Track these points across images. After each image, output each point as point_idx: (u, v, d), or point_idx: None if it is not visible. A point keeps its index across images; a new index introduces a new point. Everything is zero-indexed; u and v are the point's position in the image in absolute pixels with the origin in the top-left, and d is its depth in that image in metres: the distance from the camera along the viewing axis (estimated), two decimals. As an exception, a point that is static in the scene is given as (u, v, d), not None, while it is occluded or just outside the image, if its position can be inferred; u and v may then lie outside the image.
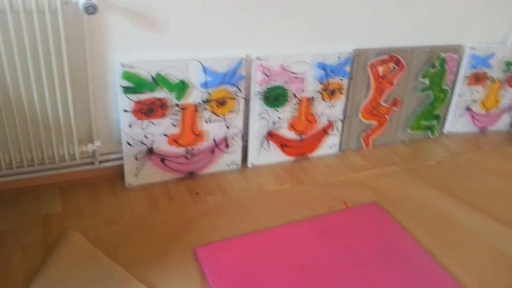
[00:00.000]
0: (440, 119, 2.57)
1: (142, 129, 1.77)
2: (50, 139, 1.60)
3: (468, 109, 2.61)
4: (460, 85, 2.51)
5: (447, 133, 2.65)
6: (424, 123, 2.52)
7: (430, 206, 1.95)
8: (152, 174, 1.88)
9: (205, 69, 1.79)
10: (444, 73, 2.41)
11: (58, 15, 1.39)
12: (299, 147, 2.18)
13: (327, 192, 1.99)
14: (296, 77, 2.00)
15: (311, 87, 2.06)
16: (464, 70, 2.47)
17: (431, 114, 2.51)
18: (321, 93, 2.10)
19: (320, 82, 2.06)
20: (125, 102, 1.69)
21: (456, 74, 2.49)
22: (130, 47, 1.66)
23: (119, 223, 1.67)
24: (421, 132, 2.54)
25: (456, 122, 2.62)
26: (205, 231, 1.67)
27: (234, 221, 1.75)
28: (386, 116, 2.36)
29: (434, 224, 1.83)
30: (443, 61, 2.37)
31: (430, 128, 2.56)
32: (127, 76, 1.65)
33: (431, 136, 2.58)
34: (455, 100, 2.55)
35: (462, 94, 2.54)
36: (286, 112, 2.06)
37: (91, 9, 1.33)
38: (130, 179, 1.85)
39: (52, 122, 1.56)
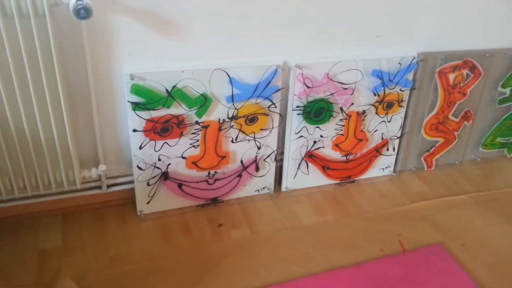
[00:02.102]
0: (521, 135, 2.11)
1: (156, 151, 1.49)
2: (44, 165, 1.35)
3: (557, 123, 2.12)
4: (550, 95, 2.03)
5: (527, 150, 2.18)
6: (500, 140, 2.07)
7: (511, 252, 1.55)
8: (168, 200, 1.60)
9: (231, 80, 1.47)
10: (531, 81, 1.95)
11: (47, 19, 1.11)
12: (345, 169, 1.82)
13: (378, 229, 1.63)
14: (344, 88, 1.63)
15: (363, 100, 1.68)
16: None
17: (509, 130, 2.05)
18: (375, 106, 1.72)
19: (374, 93, 1.69)
20: (135, 120, 1.41)
21: (545, 81, 2.01)
22: (140, 55, 1.37)
23: (125, 263, 1.42)
24: (496, 150, 2.10)
25: (540, 138, 2.15)
26: (226, 278, 1.38)
27: (262, 265, 1.45)
28: (455, 133, 1.94)
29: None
30: (530, 66, 1.90)
31: (507, 146, 2.10)
32: (136, 90, 1.36)
33: (507, 155, 2.13)
34: (541, 112, 2.07)
35: (551, 105, 2.06)
36: (330, 129, 1.70)
37: (83, 13, 1.04)
38: (142, 207, 1.58)
39: (46, 146, 1.30)
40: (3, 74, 1.17)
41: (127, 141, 1.51)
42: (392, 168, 1.92)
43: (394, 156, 1.90)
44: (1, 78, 1.17)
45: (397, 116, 1.79)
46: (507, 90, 1.93)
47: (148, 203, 1.57)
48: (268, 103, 1.56)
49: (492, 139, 2.05)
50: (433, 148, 1.95)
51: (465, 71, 1.80)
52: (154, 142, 1.47)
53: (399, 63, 1.67)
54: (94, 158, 1.50)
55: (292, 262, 1.47)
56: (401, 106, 1.77)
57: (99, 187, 1.57)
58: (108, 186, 1.58)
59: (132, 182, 1.59)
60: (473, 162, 2.08)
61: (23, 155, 1.30)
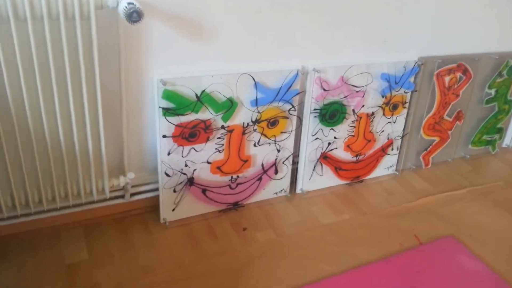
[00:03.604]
0: (503, 132, 2.28)
1: (183, 156, 1.48)
2: (75, 173, 1.30)
3: (532, 120, 2.32)
4: (525, 95, 2.23)
5: (506, 146, 2.37)
6: (486, 137, 2.23)
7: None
8: (191, 207, 1.59)
9: (256, 85, 1.49)
10: (511, 83, 2.13)
11: (91, 22, 1.09)
12: (354, 169, 1.89)
13: (393, 224, 1.71)
14: (356, 91, 1.71)
15: (372, 102, 1.77)
16: (532, 78, 2.19)
17: (493, 128, 2.22)
18: (383, 108, 1.81)
19: (382, 96, 1.77)
20: (165, 126, 1.40)
21: (522, 82, 2.20)
22: (171, 60, 1.37)
23: (158, 272, 1.39)
24: (482, 147, 2.26)
25: (517, 135, 2.34)
26: (260, 281, 1.39)
27: (293, 266, 1.47)
28: (449, 132, 2.07)
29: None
30: (511, 69, 2.08)
31: (491, 143, 2.27)
32: (168, 95, 1.35)
33: (491, 151, 2.30)
34: (518, 111, 2.27)
35: (527, 104, 2.26)
36: (343, 131, 1.77)
37: (135, 16, 1.04)
38: (166, 214, 1.56)
39: (79, 153, 1.26)
40: (43, 78, 1.13)
41: (151, 148, 1.49)
42: (395, 167, 2.01)
43: (397, 156, 1.99)
44: (41, 85, 1.12)
45: (401, 117, 1.89)
46: (493, 91, 2.09)
47: (173, 210, 1.55)
48: (289, 106, 1.60)
49: (480, 137, 2.21)
50: (430, 147, 2.07)
51: (458, 74, 1.93)
52: (181, 147, 1.46)
53: (404, 67, 1.77)
54: (119, 166, 1.46)
55: (321, 261, 1.50)
56: (404, 107, 1.87)
57: (122, 196, 1.53)
58: (131, 195, 1.54)
59: (153, 190, 1.57)
60: (463, 159, 2.22)
61: (55, 164, 1.25)
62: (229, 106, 1.48)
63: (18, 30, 1.04)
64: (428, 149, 2.07)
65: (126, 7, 1.05)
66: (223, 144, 1.54)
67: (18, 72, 1.09)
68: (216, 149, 1.53)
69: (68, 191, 1.31)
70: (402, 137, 1.95)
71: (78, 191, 1.33)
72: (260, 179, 1.68)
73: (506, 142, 2.36)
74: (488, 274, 1.49)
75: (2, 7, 1.00)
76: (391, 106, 1.83)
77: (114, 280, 1.33)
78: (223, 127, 1.51)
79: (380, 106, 1.80)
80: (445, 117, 2.02)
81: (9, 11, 1.01)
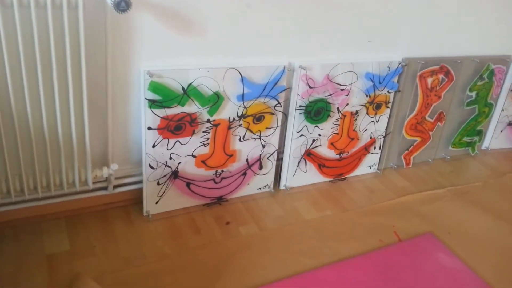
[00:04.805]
0: (482, 135, 2.34)
1: (168, 149, 1.48)
2: (58, 163, 1.30)
3: (510, 124, 2.39)
4: (504, 99, 2.29)
5: (485, 149, 2.43)
6: (466, 139, 2.29)
7: (490, 237, 1.72)
8: (174, 200, 1.60)
9: (243, 80, 1.51)
10: (491, 86, 2.18)
11: (79, 11, 1.09)
12: (338, 166, 1.92)
13: (374, 221, 1.74)
14: (341, 89, 1.73)
15: (356, 100, 1.80)
16: (511, 83, 2.25)
17: (473, 130, 2.28)
18: (366, 107, 1.84)
19: (366, 95, 1.81)
20: (150, 118, 1.40)
21: (501, 87, 2.26)
22: (158, 52, 1.37)
23: (140, 264, 1.39)
24: (462, 148, 2.31)
25: (496, 138, 2.40)
26: (241, 273, 1.40)
27: (274, 259, 1.48)
28: (430, 132, 2.12)
29: (498, 259, 1.60)
30: (491, 73, 2.14)
31: (471, 145, 2.33)
32: (154, 87, 1.35)
33: (471, 153, 2.35)
34: (497, 115, 2.33)
35: (506, 108, 2.32)
36: (327, 129, 1.79)
37: (123, 5, 1.04)
38: (150, 207, 1.56)
39: (63, 142, 1.26)
40: (28, 66, 1.12)
41: (136, 139, 1.49)
42: (377, 166, 2.05)
43: (379, 155, 2.03)
44: (27, 73, 1.12)
45: (384, 117, 1.92)
46: (473, 94, 2.14)
47: (157, 203, 1.55)
48: (274, 102, 1.61)
49: (460, 139, 2.26)
50: (412, 147, 2.11)
51: (440, 76, 1.98)
52: (167, 140, 1.46)
53: (388, 67, 1.80)
54: (103, 157, 1.46)
55: (302, 255, 1.52)
56: (387, 107, 1.91)
57: (105, 188, 1.52)
58: (114, 187, 1.53)
59: (137, 182, 1.57)
60: (444, 160, 2.27)
61: (37, 152, 1.24)
62: (215, 100, 1.49)
63: (4, 17, 1.04)
64: (410, 149, 2.11)
65: (114, -4, 1.05)
66: (208, 138, 1.54)
67: (3, 59, 1.08)
68: (201, 142, 1.54)
69: (51, 181, 1.30)
70: (384, 137, 1.99)
71: (61, 181, 1.32)
72: (244, 174, 1.69)
73: (485, 144, 2.42)
74: (465, 271, 1.53)
75: (-12, -8, 1.00)
76: (374, 106, 1.86)
77: (95, 271, 1.32)
78: (209, 121, 1.52)
79: (364, 105, 1.83)
80: (427, 118, 2.06)
81: (-5, -3, 1.00)
